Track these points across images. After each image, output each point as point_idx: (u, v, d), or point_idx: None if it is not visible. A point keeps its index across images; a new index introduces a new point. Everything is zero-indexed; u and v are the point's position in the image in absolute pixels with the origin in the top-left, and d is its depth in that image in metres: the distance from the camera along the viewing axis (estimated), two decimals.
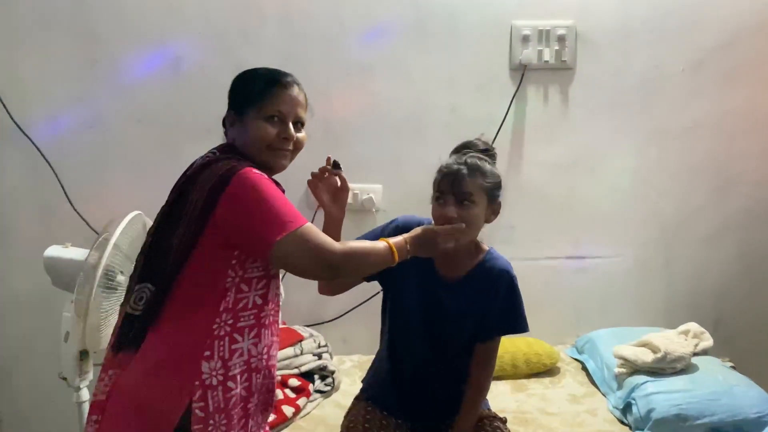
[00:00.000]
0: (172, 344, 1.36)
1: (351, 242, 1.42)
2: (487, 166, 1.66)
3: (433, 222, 1.67)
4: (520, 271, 2.51)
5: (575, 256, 2.62)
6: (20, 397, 2.56)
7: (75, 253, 2.15)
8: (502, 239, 2.47)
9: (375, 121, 2.50)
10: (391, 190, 2.51)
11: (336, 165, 1.63)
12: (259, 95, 1.43)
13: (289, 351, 2.23)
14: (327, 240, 1.34)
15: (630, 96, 2.52)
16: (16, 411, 2.58)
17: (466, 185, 1.61)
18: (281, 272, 2.44)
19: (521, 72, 2.47)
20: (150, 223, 2.25)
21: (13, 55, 2.39)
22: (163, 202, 2.56)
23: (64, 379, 1.96)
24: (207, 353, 1.35)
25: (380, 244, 1.43)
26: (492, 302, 1.70)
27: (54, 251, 2.12)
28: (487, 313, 1.70)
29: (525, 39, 2.45)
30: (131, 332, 1.38)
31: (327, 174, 1.63)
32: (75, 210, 2.42)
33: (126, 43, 2.40)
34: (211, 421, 1.35)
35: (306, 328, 2.42)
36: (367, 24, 2.45)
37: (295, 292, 2.52)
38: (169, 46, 2.42)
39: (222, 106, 2.50)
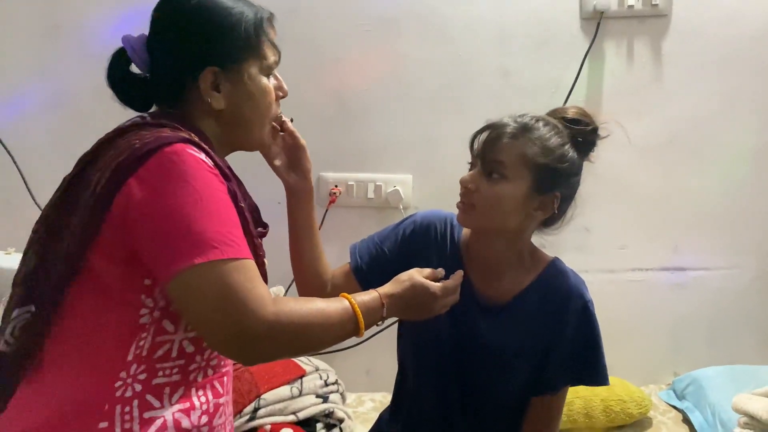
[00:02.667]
0: (48, 404, 0.98)
1: (291, 302, 1.01)
2: (553, 138, 1.26)
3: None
4: (597, 287, 2.06)
5: (673, 267, 2.24)
6: None
7: (16, 261, 1.83)
8: (574, 245, 2.20)
9: (402, 92, 2.18)
10: (424, 182, 2.21)
11: (278, 118, 1.28)
12: (257, 40, 1.11)
13: (283, 391, 1.82)
14: (261, 294, 0.95)
15: (747, 51, 2.10)
16: None
17: (500, 151, 1.23)
18: (280, 287, 2.09)
19: (596, 21, 2.10)
20: None
21: None
22: None
23: None
24: (103, 425, 0.96)
25: (336, 305, 1.05)
26: (556, 338, 1.30)
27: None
28: (549, 354, 1.31)
29: None
30: (0, 378, 1.02)
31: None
32: (36, 203, 2.16)
33: (94, 4, 2.16)
34: None
35: (311, 360, 2.00)
36: None
37: None
38: (144, 6, 2.07)
39: None
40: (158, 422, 0.99)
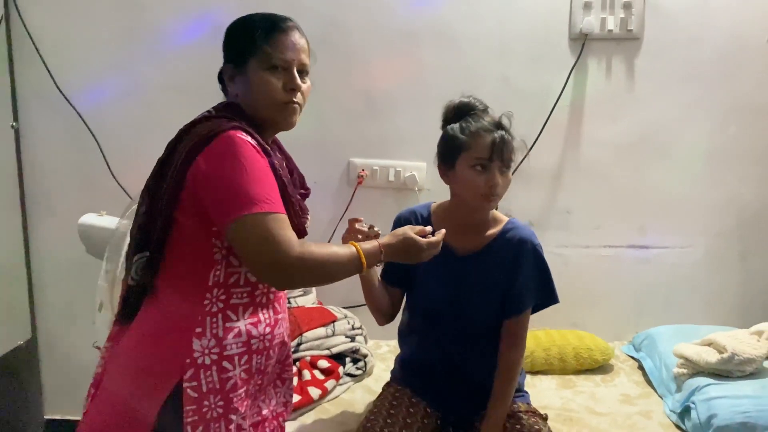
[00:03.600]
0: (163, 316, 1.29)
1: (313, 246, 1.26)
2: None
3: (450, 199, 1.69)
4: (575, 259, 2.43)
5: (638, 245, 2.44)
6: (62, 368, 2.58)
7: (108, 221, 2.14)
8: (557, 224, 2.41)
9: (419, 92, 2.36)
10: (436, 168, 2.36)
11: (374, 232, 1.51)
12: (258, 43, 1.31)
13: (320, 331, 2.15)
14: (290, 238, 1.21)
15: (705, 69, 2.31)
16: (58, 382, 2.62)
17: (511, 151, 1.58)
18: None
19: (582, 42, 2.29)
20: None
21: (58, 23, 2.40)
22: None
23: (98, 348, 1.95)
24: (198, 330, 1.27)
25: (345, 250, 1.29)
26: (517, 273, 1.64)
27: (88, 219, 2.16)
28: (512, 286, 1.64)
29: (587, 6, 2.26)
30: (129, 304, 1.33)
31: (362, 236, 1.51)
32: (114, 178, 2.42)
33: (167, 10, 2.36)
34: (206, 403, 1.27)
35: (341, 309, 2.32)
36: None
37: None
38: (209, 13, 2.36)
39: None
40: (235, 330, 1.29)
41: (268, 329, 1.35)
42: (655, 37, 2.29)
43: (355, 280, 2.46)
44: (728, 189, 2.38)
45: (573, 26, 2.29)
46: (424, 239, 1.38)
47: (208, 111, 1.35)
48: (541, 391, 2.03)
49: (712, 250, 2.41)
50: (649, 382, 2.11)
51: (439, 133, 2.31)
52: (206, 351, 1.27)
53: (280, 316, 1.39)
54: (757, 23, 2.26)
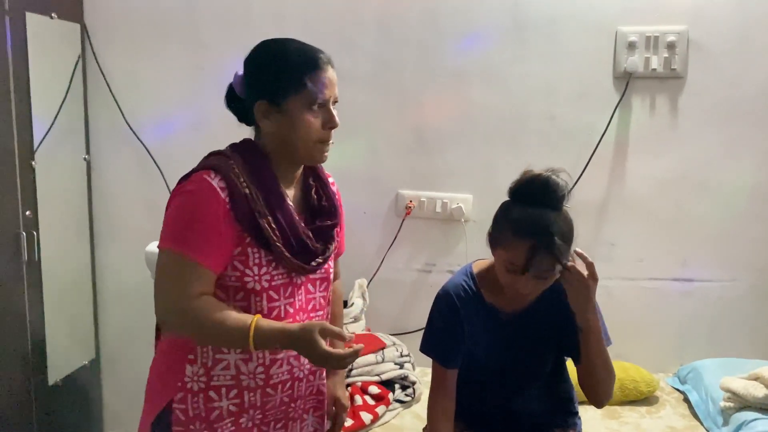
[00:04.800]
0: (168, 341, 1.36)
1: (209, 305, 1.23)
2: (570, 232, 1.45)
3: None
4: (619, 291, 2.47)
5: (682, 278, 2.45)
6: (122, 388, 2.70)
7: None
8: (602, 257, 2.42)
9: (468, 128, 2.46)
10: (482, 200, 2.43)
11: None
12: (299, 81, 1.27)
13: (370, 358, 2.23)
14: (184, 288, 1.21)
15: (748, 107, 2.32)
16: (119, 401, 2.75)
17: (553, 265, 1.42)
18: (363, 279, 2.49)
19: (626, 80, 2.35)
20: None
21: (129, 63, 2.57)
22: None
23: None
24: (191, 356, 1.31)
25: (238, 322, 1.23)
26: (563, 318, 1.55)
27: (154, 247, 2.27)
28: (567, 333, 1.56)
29: (631, 46, 2.32)
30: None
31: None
32: None
33: (230, 50, 2.42)
34: (192, 427, 1.32)
35: (390, 336, 2.41)
36: (463, 30, 2.42)
37: (381, 299, 2.56)
38: None
39: None
40: (224, 362, 1.30)
41: (260, 368, 1.33)
42: (698, 76, 2.33)
43: (404, 306, 2.59)
44: None
45: (617, 65, 2.35)
46: (326, 349, 1.21)
47: (224, 149, 1.38)
48: (587, 421, 2.04)
49: (756, 285, 2.40)
50: (695, 415, 2.12)
51: (487, 165, 2.45)
52: (195, 378, 1.31)
53: (280, 356, 1.35)
54: None
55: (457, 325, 1.58)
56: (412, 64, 2.45)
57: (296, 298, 1.37)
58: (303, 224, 1.37)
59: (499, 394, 1.67)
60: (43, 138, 2.34)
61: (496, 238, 1.49)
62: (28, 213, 2.24)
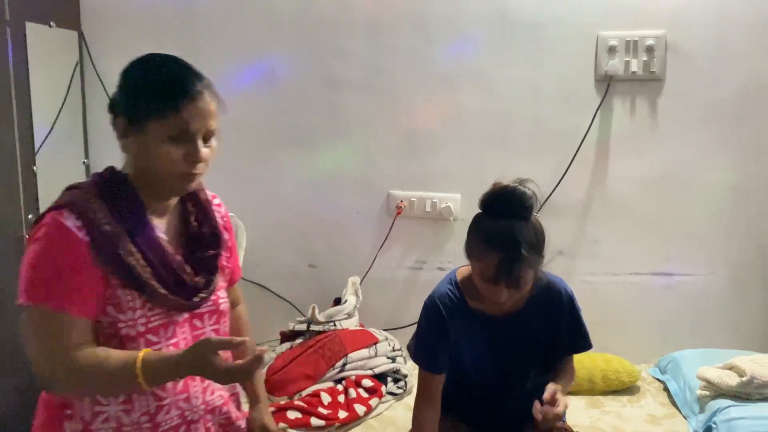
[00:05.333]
0: (47, 394, 1.25)
1: (89, 356, 1.12)
2: (540, 241, 1.49)
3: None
4: (604, 286, 2.56)
5: (663, 273, 2.54)
6: None
7: None
8: (586, 254, 2.54)
9: (457, 131, 2.54)
10: (471, 200, 2.37)
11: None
12: (161, 109, 1.14)
13: (363, 352, 2.31)
14: (62, 342, 1.11)
15: (726, 109, 2.41)
16: None
17: (522, 277, 1.46)
18: (356, 277, 2.56)
19: (607, 83, 2.43)
20: (242, 224, 2.42)
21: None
22: (253, 204, 2.70)
23: None
24: (68, 411, 1.20)
25: (127, 362, 1.12)
26: (557, 327, 1.65)
27: None
28: (555, 339, 1.66)
29: (611, 49, 2.41)
30: None
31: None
32: None
33: (223, 57, 2.57)
34: None
35: (382, 331, 2.49)
36: (452, 36, 2.50)
37: (374, 296, 2.64)
38: (265, 60, 2.59)
39: (313, 118, 2.64)
40: (103, 416, 1.18)
41: (145, 417, 1.21)
42: (677, 79, 2.40)
43: (396, 303, 2.67)
44: (749, 222, 2.45)
45: (599, 68, 2.42)
46: (228, 365, 1.14)
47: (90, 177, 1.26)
48: (570, 411, 2.09)
49: (735, 279, 2.49)
50: (674, 404, 2.21)
51: (475, 165, 2.51)
52: None
53: (167, 401, 1.23)
54: None
55: (442, 333, 1.63)
56: (403, 69, 2.52)
57: (180, 338, 1.25)
58: (180, 257, 1.25)
59: (488, 395, 1.73)
60: (43, 142, 2.40)
61: (469, 249, 1.53)
62: (30, 216, 2.30)
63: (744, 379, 1.95)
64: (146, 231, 1.20)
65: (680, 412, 2.16)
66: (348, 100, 2.56)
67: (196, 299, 1.26)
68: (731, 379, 1.98)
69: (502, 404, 1.74)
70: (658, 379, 2.39)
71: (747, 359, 2.06)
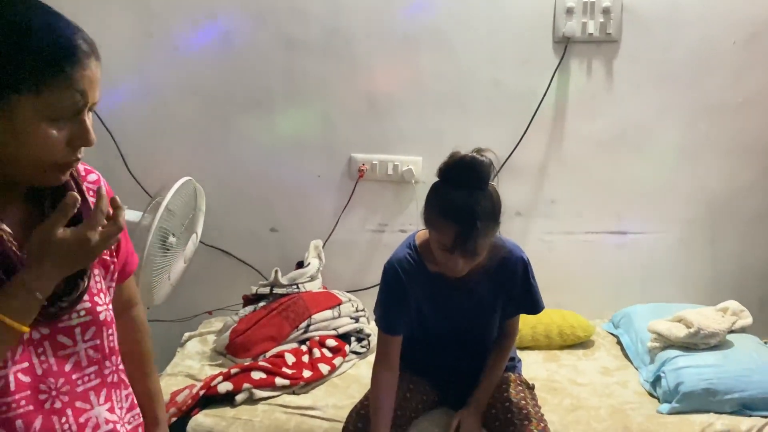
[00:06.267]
0: None
1: None
2: (496, 210, 1.51)
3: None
4: (559, 245, 2.62)
5: (617, 231, 2.61)
6: None
7: (130, 215, 2.29)
8: (543, 213, 2.59)
9: (417, 94, 2.53)
10: (431, 162, 2.39)
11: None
12: (39, 78, 0.84)
13: (327, 313, 2.34)
14: None
15: (678, 70, 2.45)
16: None
17: (478, 247, 1.50)
18: (318, 240, 2.57)
19: (564, 45, 2.44)
20: (201, 188, 2.39)
21: None
22: (212, 169, 2.65)
23: None
24: None
25: None
26: (511, 290, 1.72)
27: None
28: (509, 301, 1.74)
29: (569, 11, 2.42)
30: None
31: None
32: (131, 175, 2.57)
33: (179, 17, 2.50)
34: None
35: (345, 293, 2.51)
36: None
37: (337, 259, 2.66)
38: (220, 20, 2.52)
39: (271, 81, 2.59)
40: None
41: None
42: (632, 41, 2.43)
43: (359, 265, 2.69)
44: (698, 180, 2.54)
45: (556, 30, 2.43)
46: (75, 230, 0.90)
47: None
48: (528, 365, 2.22)
49: (684, 236, 2.58)
50: (626, 356, 2.31)
51: (436, 128, 2.52)
52: None
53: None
54: (725, 27, 2.42)
55: (401, 297, 1.67)
56: (362, 30, 2.48)
57: (36, 360, 0.96)
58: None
59: (447, 353, 1.79)
60: None
61: (427, 218, 1.55)
62: None
63: (691, 330, 2.05)
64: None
65: (632, 363, 2.25)
66: (306, 62, 2.51)
67: (52, 309, 0.95)
68: (680, 331, 2.08)
69: (460, 361, 1.81)
70: (612, 334, 2.48)
71: (694, 312, 2.15)
